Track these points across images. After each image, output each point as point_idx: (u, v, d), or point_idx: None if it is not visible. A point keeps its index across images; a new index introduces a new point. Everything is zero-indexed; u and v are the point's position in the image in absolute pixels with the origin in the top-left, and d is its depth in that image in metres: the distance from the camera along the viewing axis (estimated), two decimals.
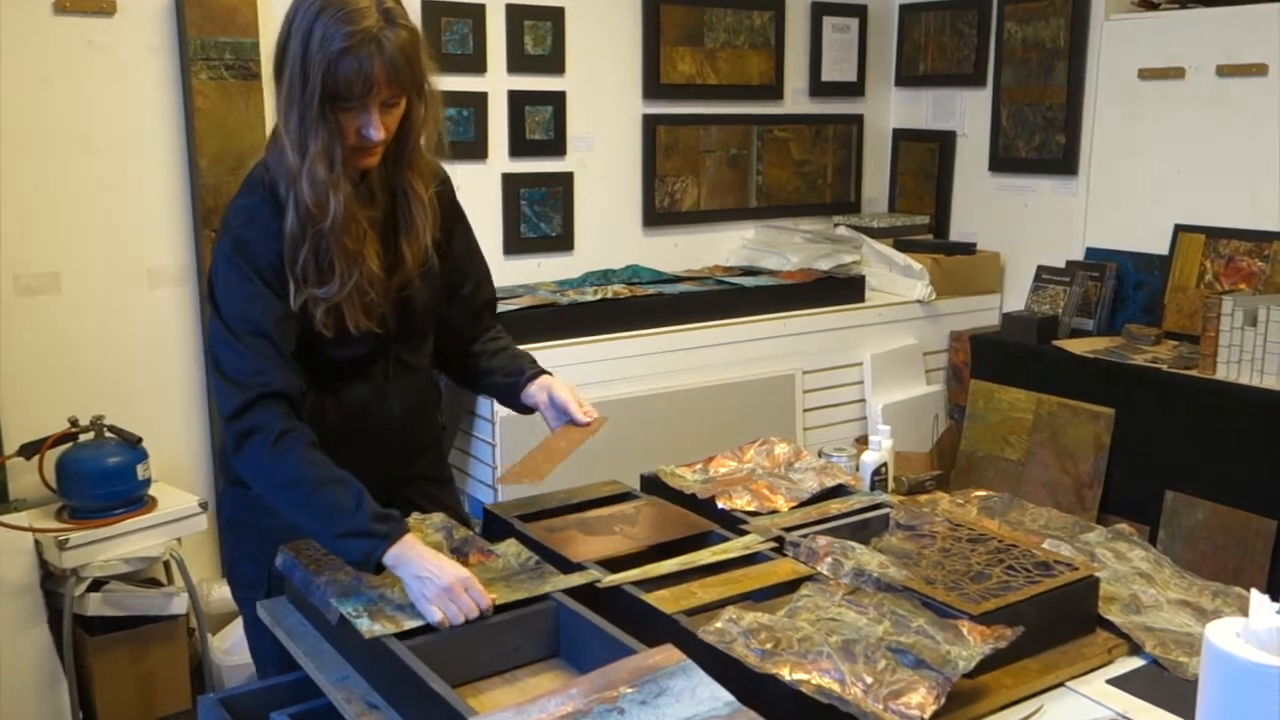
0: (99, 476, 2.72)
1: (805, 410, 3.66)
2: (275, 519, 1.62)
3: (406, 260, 1.67)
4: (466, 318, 1.88)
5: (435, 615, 1.43)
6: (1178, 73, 3.52)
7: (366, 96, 1.50)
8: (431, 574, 1.45)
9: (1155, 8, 3.66)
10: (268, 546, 1.68)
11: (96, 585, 2.76)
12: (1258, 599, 1.17)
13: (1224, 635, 1.16)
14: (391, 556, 1.48)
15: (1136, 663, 1.49)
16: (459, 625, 1.43)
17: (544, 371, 1.85)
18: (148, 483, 2.81)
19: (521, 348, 1.94)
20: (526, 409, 1.84)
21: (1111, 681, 1.45)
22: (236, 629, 3.03)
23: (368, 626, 1.42)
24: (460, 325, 1.87)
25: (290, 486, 1.53)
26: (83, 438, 2.77)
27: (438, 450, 1.96)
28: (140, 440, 2.79)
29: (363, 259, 1.60)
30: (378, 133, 1.53)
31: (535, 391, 1.80)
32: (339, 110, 1.52)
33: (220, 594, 3.05)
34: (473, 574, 1.49)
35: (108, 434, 2.78)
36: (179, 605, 2.85)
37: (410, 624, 1.43)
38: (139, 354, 3.07)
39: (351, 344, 1.66)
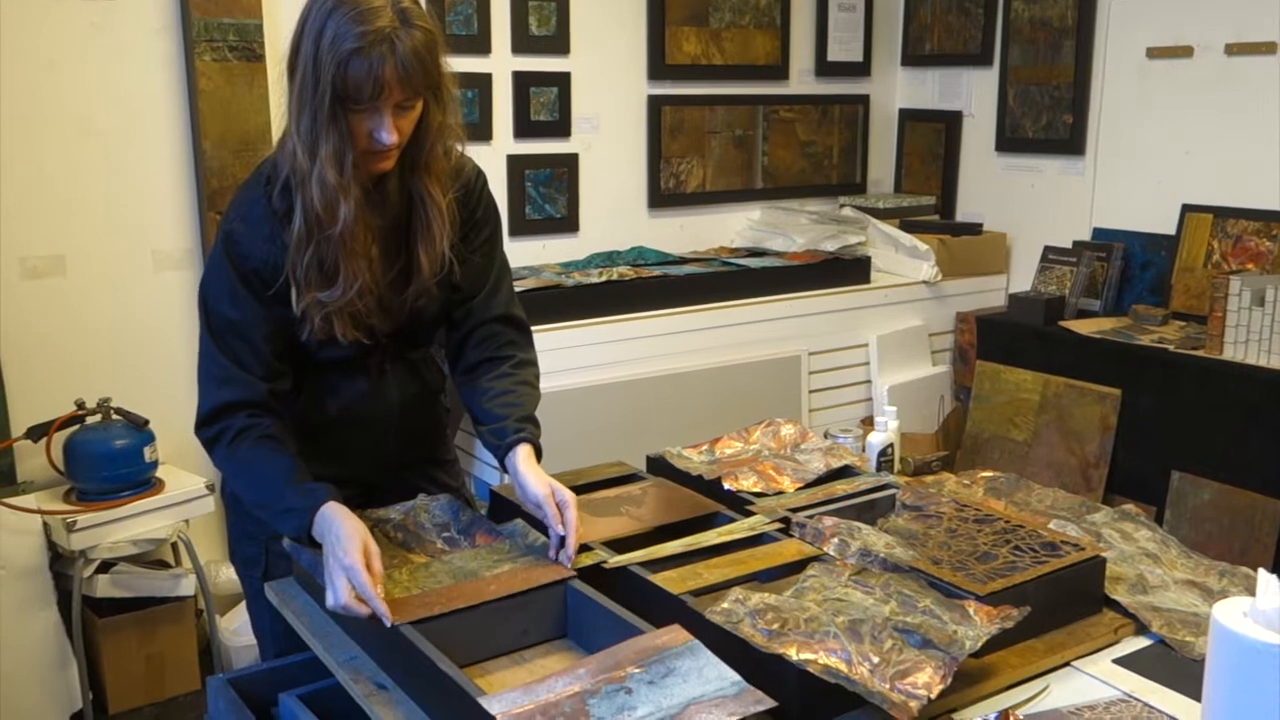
0: (106, 459, 2.73)
1: (811, 391, 3.65)
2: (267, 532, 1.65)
3: (423, 268, 1.62)
4: (478, 335, 1.76)
5: (330, 595, 1.42)
6: (1186, 51, 3.50)
7: (378, 99, 1.46)
8: (330, 574, 1.43)
9: None
10: (265, 525, 1.67)
11: (105, 567, 2.77)
12: (1265, 579, 1.17)
13: (1231, 615, 1.16)
14: (315, 532, 1.50)
15: (1143, 642, 1.49)
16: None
17: (525, 439, 1.66)
18: (155, 465, 2.82)
19: (527, 364, 1.79)
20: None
21: (1118, 661, 1.45)
22: (244, 611, 3.04)
23: None
24: (466, 337, 1.77)
25: (241, 478, 1.61)
26: (90, 420, 2.78)
27: (441, 433, 1.93)
28: (147, 422, 2.80)
29: (367, 266, 1.56)
30: (390, 136, 1.49)
31: (518, 468, 1.64)
32: (350, 112, 1.48)
33: (228, 575, 3.07)
34: (367, 554, 1.43)
35: (115, 416, 2.78)
36: (187, 587, 2.87)
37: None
38: (145, 336, 3.07)
39: (340, 348, 1.64)
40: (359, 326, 1.61)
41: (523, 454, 1.64)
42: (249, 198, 1.60)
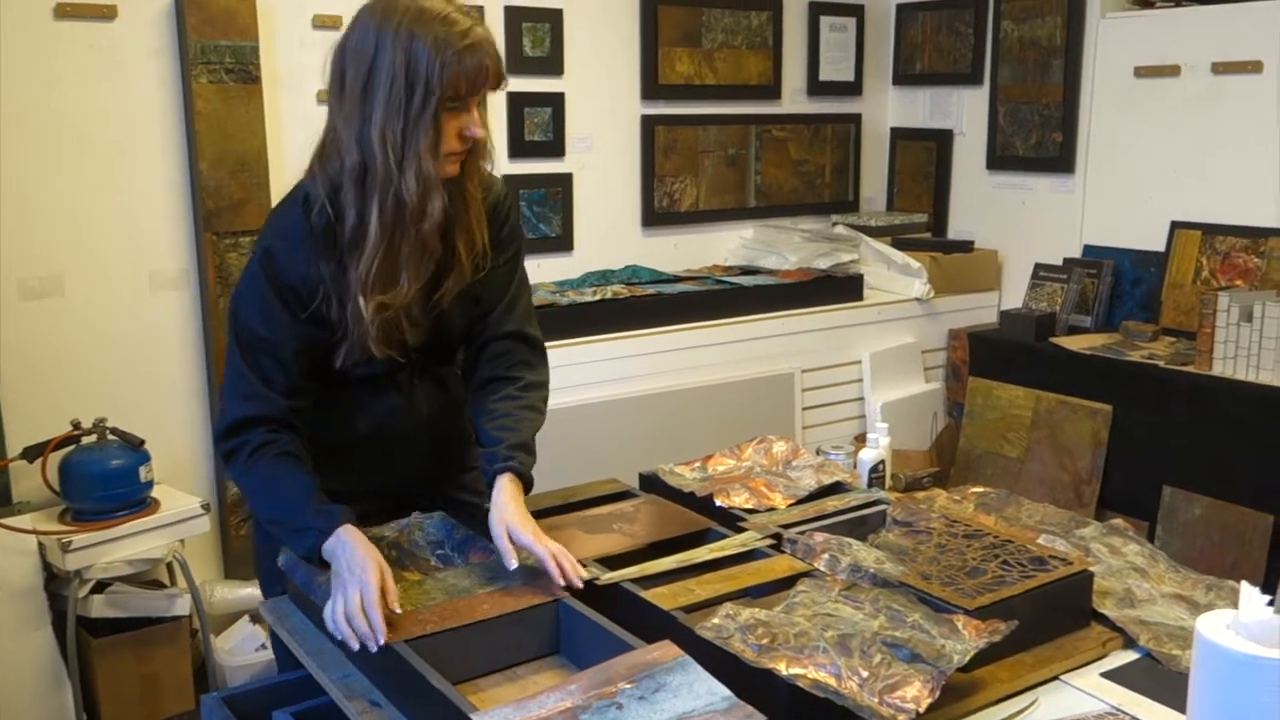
0: (102, 479, 2.73)
1: (805, 409, 3.67)
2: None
3: (464, 265, 1.67)
4: (491, 350, 1.79)
5: (331, 626, 1.45)
6: (1173, 70, 3.53)
7: (476, 94, 1.56)
8: (342, 582, 1.46)
9: (1151, 6, 3.67)
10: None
11: (100, 587, 2.77)
12: (1247, 591, 1.18)
13: (1214, 627, 1.18)
14: (326, 550, 1.53)
15: (1130, 656, 1.51)
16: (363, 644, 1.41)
17: (511, 469, 1.65)
18: (150, 485, 2.82)
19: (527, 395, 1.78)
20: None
21: (1106, 675, 1.46)
22: (239, 630, 3.05)
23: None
24: (480, 351, 1.80)
25: (259, 493, 1.64)
26: (85, 440, 2.78)
27: (467, 444, 1.92)
28: (143, 442, 2.80)
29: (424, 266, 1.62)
30: (479, 130, 1.58)
31: (495, 499, 1.63)
32: (446, 113, 1.55)
33: (223, 595, 3.07)
34: (382, 578, 1.46)
35: (110, 436, 2.79)
36: (182, 606, 2.87)
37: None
38: (141, 356, 3.08)
39: (371, 365, 1.67)
40: (392, 343, 1.65)
41: (503, 484, 1.63)
42: (288, 217, 1.64)
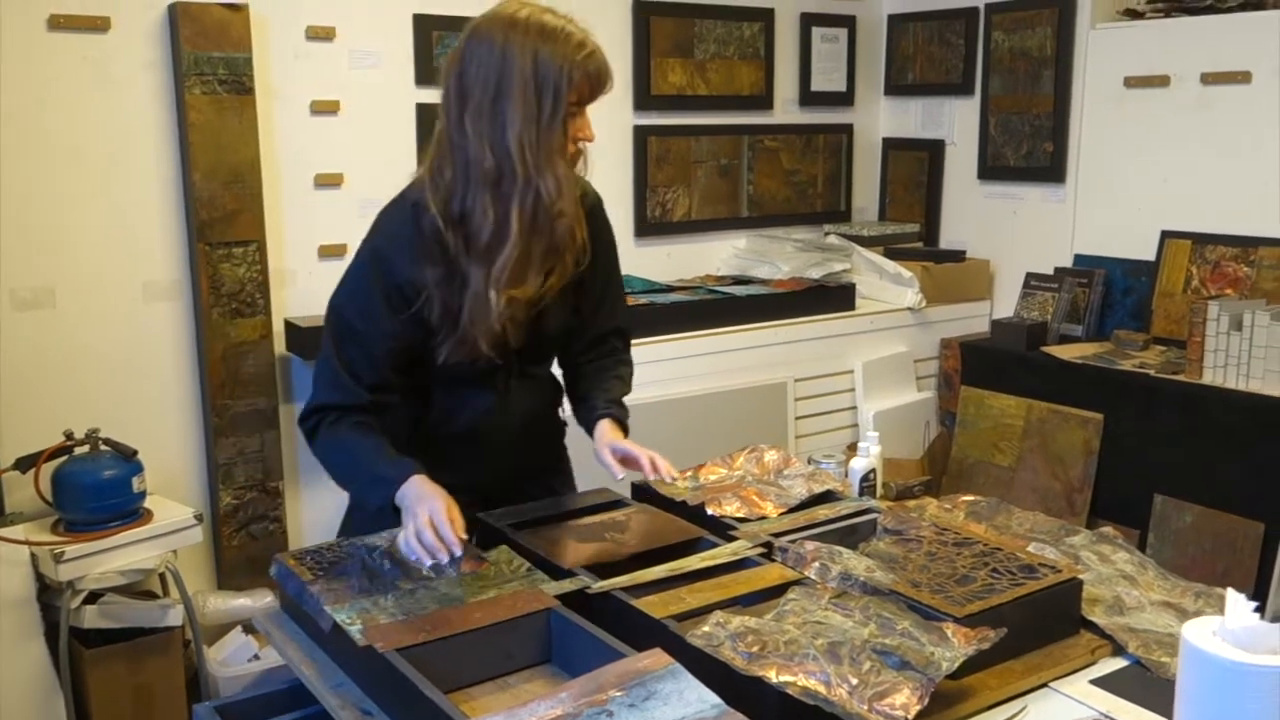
0: (94, 489, 2.73)
1: (797, 418, 3.68)
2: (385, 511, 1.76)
3: (565, 263, 1.77)
4: (590, 342, 1.96)
5: (404, 550, 1.60)
6: (1163, 81, 3.55)
7: (594, 99, 1.72)
8: (412, 511, 1.62)
9: (1140, 17, 3.70)
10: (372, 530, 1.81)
11: (92, 598, 2.77)
12: (1233, 598, 1.19)
13: (1201, 634, 1.19)
14: (398, 497, 1.65)
15: (1120, 663, 1.51)
16: (437, 570, 1.58)
17: (610, 415, 1.88)
18: (143, 495, 2.82)
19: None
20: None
21: (1095, 682, 1.47)
22: (232, 641, 3.05)
23: (360, 634, 1.43)
24: (581, 346, 1.96)
25: (335, 457, 1.75)
26: (78, 451, 2.78)
27: (558, 443, 2.06)
28: (136, 453, 2.81)
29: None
30: (593, 133, 1.74)
31: (596, 437, 1.88)
32: (570, 117, 1.68)
33: (215, 605, 3.07)
34: (450, 507, 1.62)
35: (103, 447, 2.79)
36: (175, 617, 2.86)
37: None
38: (134, 367, 3.09)
39: (470, 365, 1.75)
40: (494, 344, 1.73)
41: (603, 425, 1.86)
42: (399, 219, 1.73)
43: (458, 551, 1.57)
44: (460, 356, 1.73)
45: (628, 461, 1.80)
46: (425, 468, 1.71)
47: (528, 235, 1.67)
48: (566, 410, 2.01)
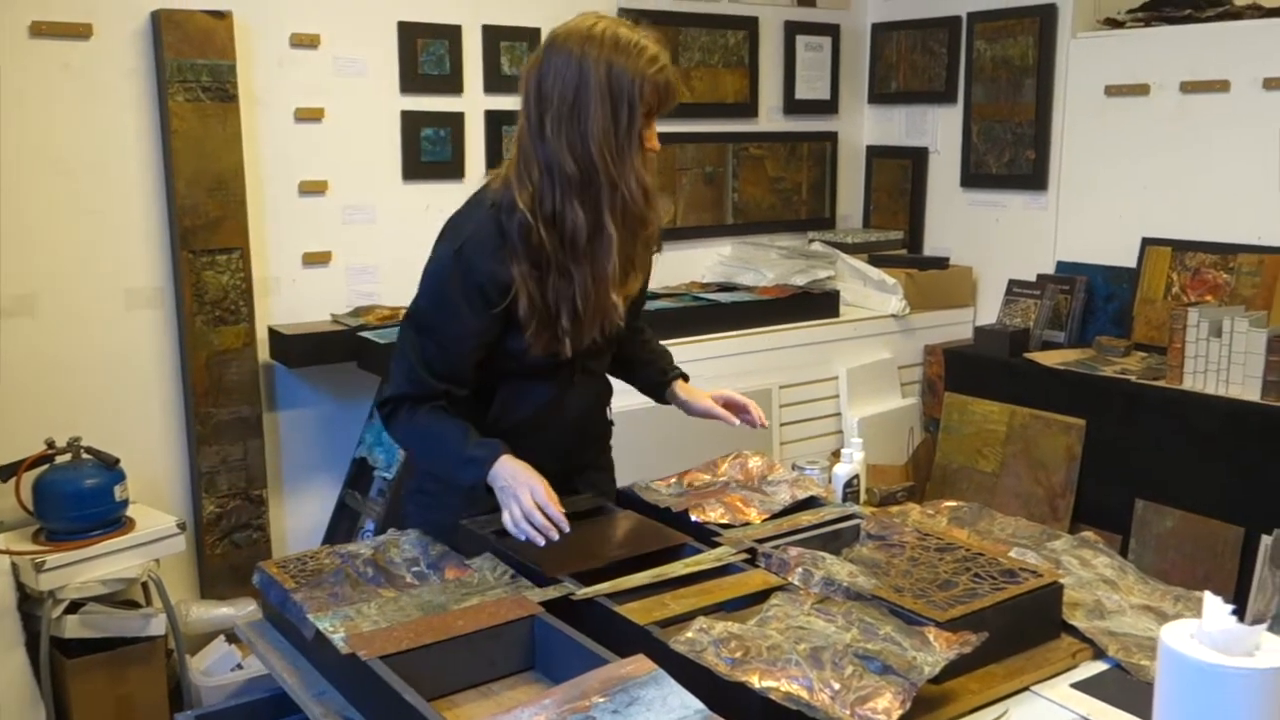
0: (76, 498, 2.72)
1: (782, 424, 3.69)
2: (449, 510, 1.88)
3: (649, 264, 1.96)
4: (630, 314, 2.01)
5: (515, 531, 1.73)
6: (1143, 89, 3.58)
7: (664, 109, 1.77)
8: (512, 493, 1.74)
9: (1121, 26, 3.73)
10: (443, 513, 1.90)
11: (74, 607, 2.75)
12: (1211, 601, 1.20)
13: (1178, 637, 1.19)
14: (491, 477, 1.77)
15: (1100, 667, 1.52)
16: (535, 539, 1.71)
17: (682, 375, 2.14)
18: (125, 504, 2.81)
19: None
20: (665, 402, 2.15)
21: (1075, 685, 1.48)
22: (214, 650, 3.03)
23: (343, 642, 1.43)
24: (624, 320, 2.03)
25: (419, 440, 1.87)
26: (59, 459, 2.77)
27: (605, 441, 2.14)
28: (118, 461, 2.79)
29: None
30: (658, 143, 1.79)
31: (678, 394, 2.11)
32: (642, 127, 1.75)
33: (198, 614, 3.05)
34: (548, 486, 1.75)
35: (85, 455, 2.78)
36: (157, 626, 2.85)
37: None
38: (116, 375, 3.07)
39: (540, 359, 1.83)
40: (580, 339, 1.83)
41: (681, 384, 2.11)
42: (480, 219, 1.80)
43: (566, 528, 1.72)
44: (551, 350, 1.82)
45: (733, 407, 2.05)
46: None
47: (623, 237, 1.78)
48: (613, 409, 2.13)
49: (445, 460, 1.84)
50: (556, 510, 1.73)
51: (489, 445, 1.80)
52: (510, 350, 1.83)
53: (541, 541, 1.70)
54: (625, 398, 3.26)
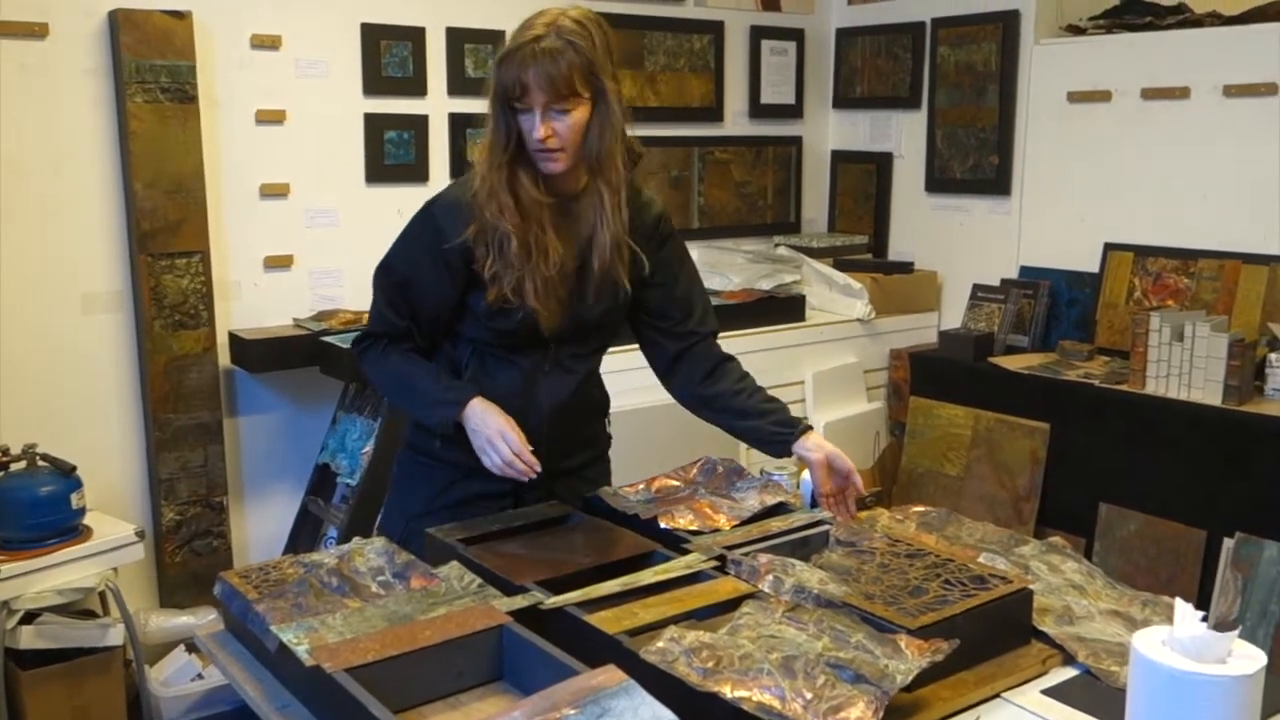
0: (31, 506, 2.67)
1: None
2: (431, 483, 1.96)
3: (595, 255, 1.84)
4: (685, 350, 2.01)
5: (487, 462, 1.80)
6: (1105, 96, 3.62)
7: (524, 99, 1.74)
8: (478, 428, 1.81)
9: (1083, 33, 3.76)
10: (414, 503, 1.99)
11: (29, 618, 2.70)
12: (1182, 608, 1.20)
13: (1150, 644, 1.20)
14: (463, 418, 1.82)
15: (1070, 673, 1.52)
16: (514, 477, 1.80)
17: (810, 427, 1.96)
18: (82, 512, 2.76)
19: None
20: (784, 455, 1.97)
21: (1046, 692, 1.47)
22: (174, 660, 2.98)
23: (308, 654, 1.40)
24: (682, 356, 2.02)
25: (392, 379, 1.93)
26: (14, 467, 2.72)
27: (597, 453, 2.12)
28: (74, 469, 2.74)
29: (543, 249, 1.80)
30: (537, 133, 1.74)
31: (811, 448, 1.91)
32: (516, 113, 1.77)
33: (157, 624, 3.00)
34: (516, 428, 1.81)
35: (40, 462, 2.73)
36: (115, 637, 2.80)
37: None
38: (73, 381, 3.02)
39: (509, 321, 1.84)
40: (543, 304, 1.82)
41: (814, 437, 1.92)
42: (457, 185, 1.92)
43: (538, 469, 1.79)
44: (503, 299, 1.81)
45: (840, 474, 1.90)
46: (463, 446, 1.85)
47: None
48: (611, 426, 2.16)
49: (417, 401, 1.90)
50: (529, 456, 1.79)
51: (461, 388, 1.86)
52: (473, 308, 1.87)
53: (528, 478, 1.80)
54: (625, 398, 3.25)
